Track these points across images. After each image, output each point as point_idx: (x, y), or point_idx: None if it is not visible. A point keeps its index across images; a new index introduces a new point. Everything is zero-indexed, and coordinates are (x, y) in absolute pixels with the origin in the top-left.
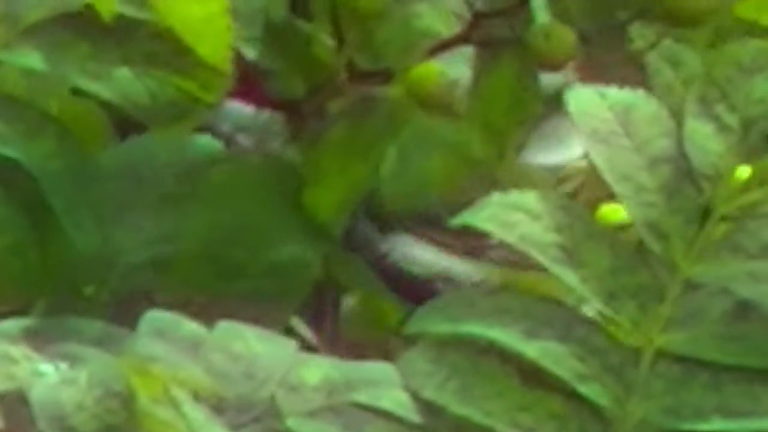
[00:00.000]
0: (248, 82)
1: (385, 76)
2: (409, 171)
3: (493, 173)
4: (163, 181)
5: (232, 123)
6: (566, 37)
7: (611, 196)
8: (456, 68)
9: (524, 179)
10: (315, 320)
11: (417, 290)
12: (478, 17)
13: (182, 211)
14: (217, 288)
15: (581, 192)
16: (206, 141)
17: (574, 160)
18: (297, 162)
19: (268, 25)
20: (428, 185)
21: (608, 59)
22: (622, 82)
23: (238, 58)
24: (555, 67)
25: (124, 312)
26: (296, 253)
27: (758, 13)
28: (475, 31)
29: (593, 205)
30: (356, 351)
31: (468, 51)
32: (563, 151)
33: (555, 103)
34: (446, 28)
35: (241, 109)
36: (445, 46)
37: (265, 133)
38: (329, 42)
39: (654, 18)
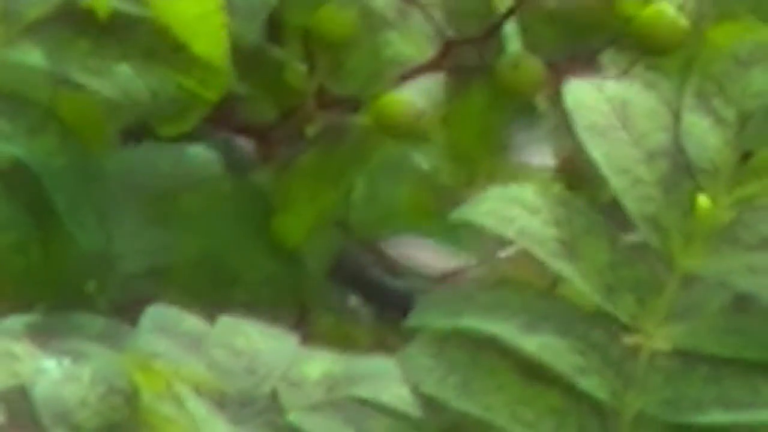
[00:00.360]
0: (219, 107)
1: (355, 103)
2: (378, 198)
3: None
4: (160, 189)
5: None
6: (535, 67)
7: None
8: (426, 96)
9: (521, 180)
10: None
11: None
12: (448, 45)
13: (177, 222)
14: (215, 296)
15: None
16: (201, 152)
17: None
18: (267, 188)
19: (240, 50)
20: (397, 212)
21: None
22: None
23: None
24: (523, 96)
25: (123, 318)
26: (269, 272)
27: (730, 39)
28: (446, 59)
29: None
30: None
31: (438, 78)
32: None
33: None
34: (416, 54)
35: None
36: (415, 72)
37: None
38: (300, 68)
39: (626, 46)
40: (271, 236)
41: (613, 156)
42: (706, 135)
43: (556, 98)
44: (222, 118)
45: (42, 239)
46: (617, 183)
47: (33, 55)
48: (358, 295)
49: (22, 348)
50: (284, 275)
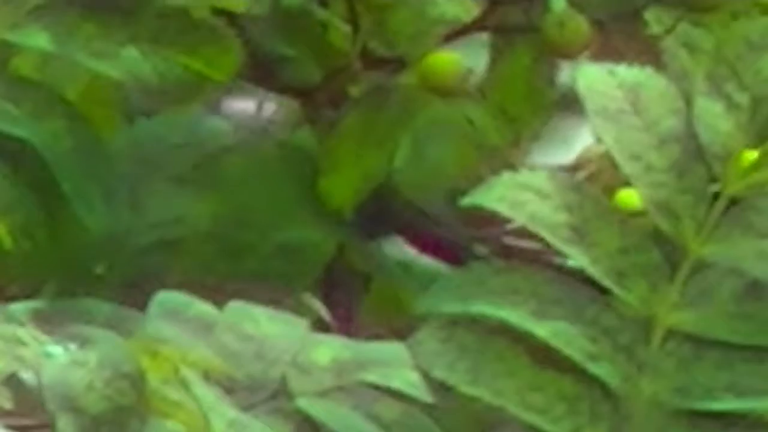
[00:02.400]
0: (263, 69)
1: (400, 64)
2: (423, 159)
3: (508, 160)
4: (171, 163)
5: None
6: (580, 26)
7: (628, 182)
8: (472, 55)
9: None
10: (336, 306)
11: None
12: (493, 4)
13: (191, 193)
14: (226, 269)
15: (597, 178)
16: (216, 123)
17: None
18: (312, 149)
19: (283, 11)
20: (443, 173)
21: (624, 47)
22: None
23: (253, 45)
24: (569, 55)
25: (134, 294)
26: (306, 236)
27: None
28: (490, 18)
29: (609, 191)
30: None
31: (484, 38)
32: (567, 151)
33: (559, 103)
34: (461, 14)
35: (242, 107)
36: (460, 32)
37: (266, 130)
38: (344, 28)
39: (670, 3)
40: (313, 198)
41: (624, 141)
42: (718, 120)
43: (601, 57)
44: (267, 80)
45: (48, 222)
46: (629, 169)
47: (39, 38)
48: (412, 247)
49: (28, 333)
50: (299, 246)
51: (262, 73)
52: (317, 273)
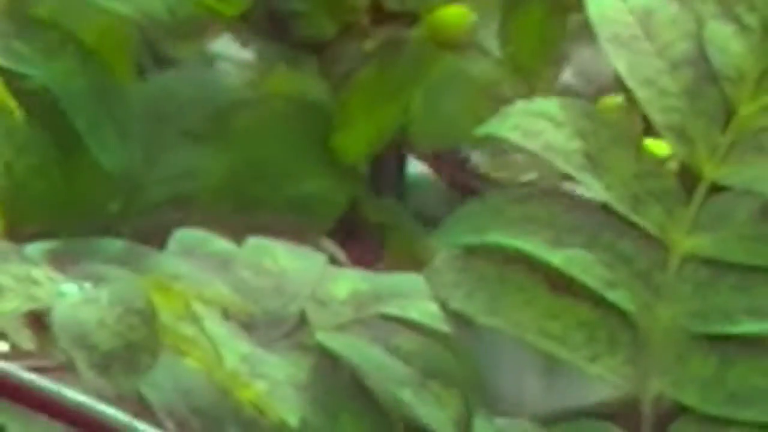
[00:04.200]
0: (277, 24)
1: (412, 18)
2: (437, 111)
3: None
4: (183, 117)
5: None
6: None
7: (648, 131)
8: (484, 8)
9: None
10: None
11: None
12: None
13: (204, 147)
14: (238, 222)
15: None
16: (228, 77)
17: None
18: (325, 104)
19: None
20: (457, 125)
21: None
22: None
23: (267, 0)
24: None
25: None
26: (318, 189)
27: None
28: None
29: None
30: None
31: None
32: None
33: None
34: None
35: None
36: None
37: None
38: None
39: None
40: (327, 152)
41: (637, 67)
42: (729, 43)
43: None
44: (281, 35)
45: (63, 162)
46: (642, 94)
47: None
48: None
49: (42, 273)
50: (311, 198)
51: (276, 28)
52: (329, 225)
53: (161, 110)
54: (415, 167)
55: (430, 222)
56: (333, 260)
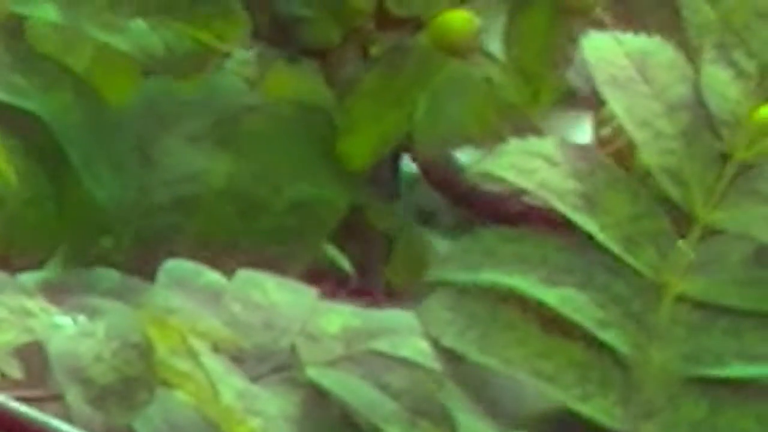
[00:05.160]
0: (282, 30)
1: (417, 23)
2: (441, 117)
3: (527, 118)
4: (185, 119)
5: None
6: None
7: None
8: (490, 13)
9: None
10: (364, 266)
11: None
12: None
13: (206, 151)
14: (240, 226)
15: (619, 135)
16: (231, 80)
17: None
18: (330, 109)
19: None
20: (462, 130)
21: (642, 2)
22: (658, 25)
23: (272, 6)
24: (584, 11)
25: (147, 254)
26: (319, 192)
27: None
28: None
29: (631, 149)
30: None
31: None
32: None
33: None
34: None
35: None
36: None
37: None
38: None
39: None
40: (332, 159)
41: (634, 109)
42: (726, 87)
43: (623, 22)
44: (286, 41)
45: (57, 194)
46: (639, 136)
47: (48, 11)
48: (446, 200)
49: (36, 304)
50: (312, 202)
51: (281, 34)
52: (330, 230)
53: (163, 112)
54: (410, 167)
55: (426, 220)
56: (334, 265)
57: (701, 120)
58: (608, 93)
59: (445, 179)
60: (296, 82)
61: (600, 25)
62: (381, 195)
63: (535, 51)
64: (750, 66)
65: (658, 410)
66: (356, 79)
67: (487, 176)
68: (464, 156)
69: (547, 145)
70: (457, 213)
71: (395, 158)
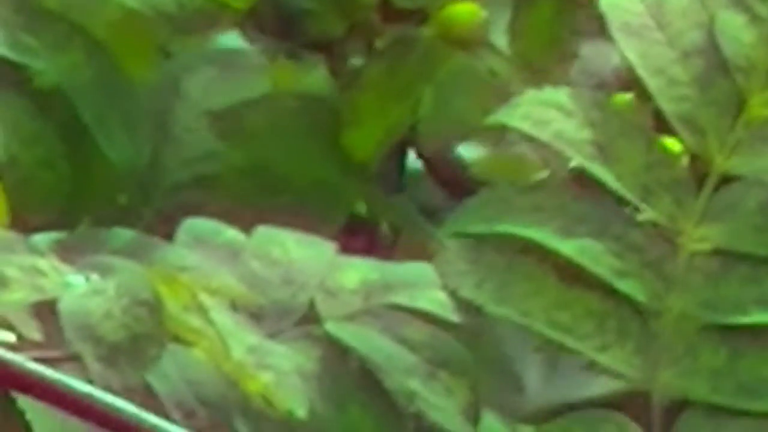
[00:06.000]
0: (286, 23)
1: (422, 15)
2: (447, 110)
3: None
4: (206, 96)
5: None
6: None
7: (659, 128)
8: (495, 5)
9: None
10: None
11: None
12: None
13: (241, 136)
14: (262, 202)
15: None
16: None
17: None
18: (335, 102)
19: None
20: (467, 123)
21: None
22: None
23: None
24: (589, 4)
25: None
26: (325, 187)
27: None
28: None
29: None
30: None
31: None
32: None
33: None
34: None
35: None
36: None
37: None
38: None
39: None
40: (339, 151)
41: (648, 56)
42: (741, 32)
43: None
44: (290, 34)
45: (70, 154)
46: (653, 83)
47: None
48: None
49: (48, 264)
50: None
51: (284, 27)
52: (352, 208)
53: (184, 90)
54: (416, 162)
55: (431, 215)
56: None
57: (716, 66)
58: (621, 40)
59: (450, 176)
60: (300, 75)
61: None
62: (386, 189)
63: (540, 44)
64: (764, 10)
65: (676, 359)
66: (361, 71)
67: (503, 127)
68: (469, 151)
69: (561, 95)
70: None
71: (400, 154)
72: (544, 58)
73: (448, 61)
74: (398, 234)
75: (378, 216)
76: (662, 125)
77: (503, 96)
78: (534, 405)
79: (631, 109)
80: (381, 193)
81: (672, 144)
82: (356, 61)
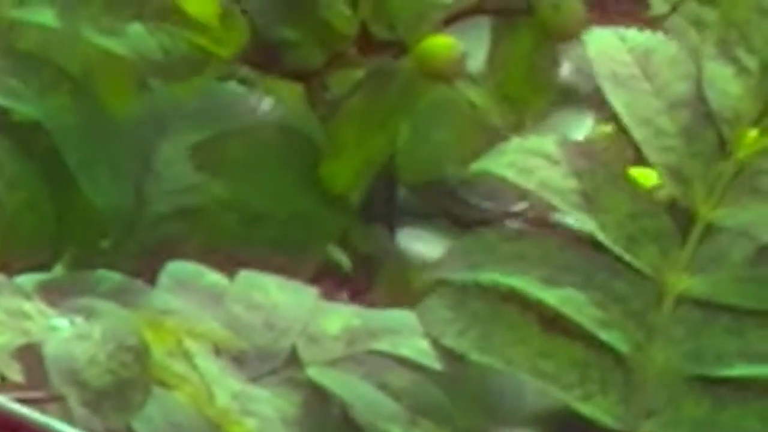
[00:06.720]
0: (265, 53)
1: (401, 48)
2: (425, 141)
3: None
4: (187, 129)
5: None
6: (575, 7)
7: (638, 161)
8: (473, 38)
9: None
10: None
11: None
12: None
13: (221, 167)
14: (244, 236)
15: None
16: (232, 87)
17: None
18: (314, 133)
19: None
20: (445, 154)
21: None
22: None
23: (255, 29)
24: (564, 37)
25: (151, 263)
26: (305, 221)
27: None
28: (488, 1)
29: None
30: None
31: (485, 21)
32: None
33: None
34: None
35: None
36: (458, 16)
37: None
38: (346, 12)
39: None
40: (318, 183)
41: (635, 106)
42: (728, 84)
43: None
44: (269, 64)
45: (54, 197)
46: (639, 134)
47: (45, 15)
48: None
49: (33, 306)
50: (315, 213)
51: (264, 57)
52: (332, 240)
53: (166, 122)
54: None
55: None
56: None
57: (702, 117)
58: (609, 89)
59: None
60: (279, 106)
61: None
62: (375, 224)
63: (519, 76)
64: (751, 62)
65: (659, 410)
66: (340, 103)
67: (487, 175)
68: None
69: (546, 143)
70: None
71: (391, 188)
72: (522, 90)
73: (427, 93)
74: (372, 277)
75: (357, 246)
76: (642, 156)
77: (482, 128)
78: (530, 413)
79: (611, 139)
80: (360, 224)
81: (648, 177)
82: (335, 92)
